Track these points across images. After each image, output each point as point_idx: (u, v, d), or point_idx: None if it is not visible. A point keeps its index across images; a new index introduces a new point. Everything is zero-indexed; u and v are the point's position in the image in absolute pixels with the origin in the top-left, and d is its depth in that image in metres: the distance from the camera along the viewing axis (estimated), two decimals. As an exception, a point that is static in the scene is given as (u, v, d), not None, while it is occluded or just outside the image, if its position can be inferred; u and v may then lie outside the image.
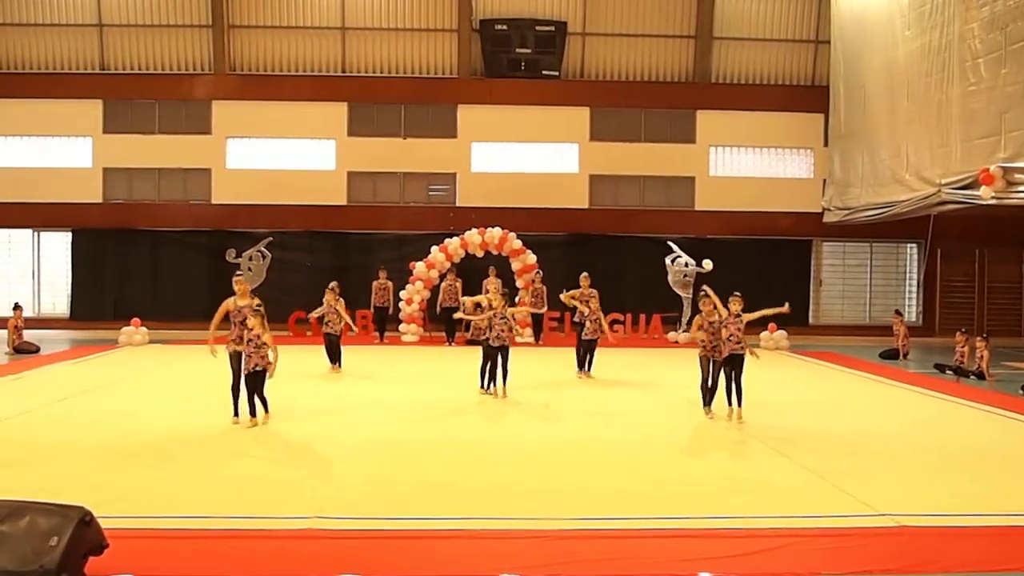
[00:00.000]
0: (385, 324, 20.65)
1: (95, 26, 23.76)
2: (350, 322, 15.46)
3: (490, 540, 6.07)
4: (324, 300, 14.92)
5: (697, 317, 11.02)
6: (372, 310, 20.63)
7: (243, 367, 10.07)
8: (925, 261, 23.69)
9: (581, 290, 14.67)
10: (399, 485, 7.57)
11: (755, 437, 9.79)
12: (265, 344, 9.92)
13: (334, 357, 15.12)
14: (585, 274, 14.94)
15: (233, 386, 10.23)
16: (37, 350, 17.91)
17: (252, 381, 9.99)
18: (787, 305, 10.98)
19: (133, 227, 23.39)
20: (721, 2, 24.28)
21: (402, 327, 20.76)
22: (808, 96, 24.25)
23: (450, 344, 19.94)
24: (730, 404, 10.72)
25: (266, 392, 10.09)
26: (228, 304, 10.56)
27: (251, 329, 9.96)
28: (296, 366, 14.97)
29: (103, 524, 5.30)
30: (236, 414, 10.14)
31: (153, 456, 8.53)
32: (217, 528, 6.25)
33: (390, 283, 20.64)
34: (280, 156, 24.04)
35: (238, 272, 10.72)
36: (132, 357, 17.15)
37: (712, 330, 10.64)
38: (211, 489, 7.42)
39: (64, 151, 23.89)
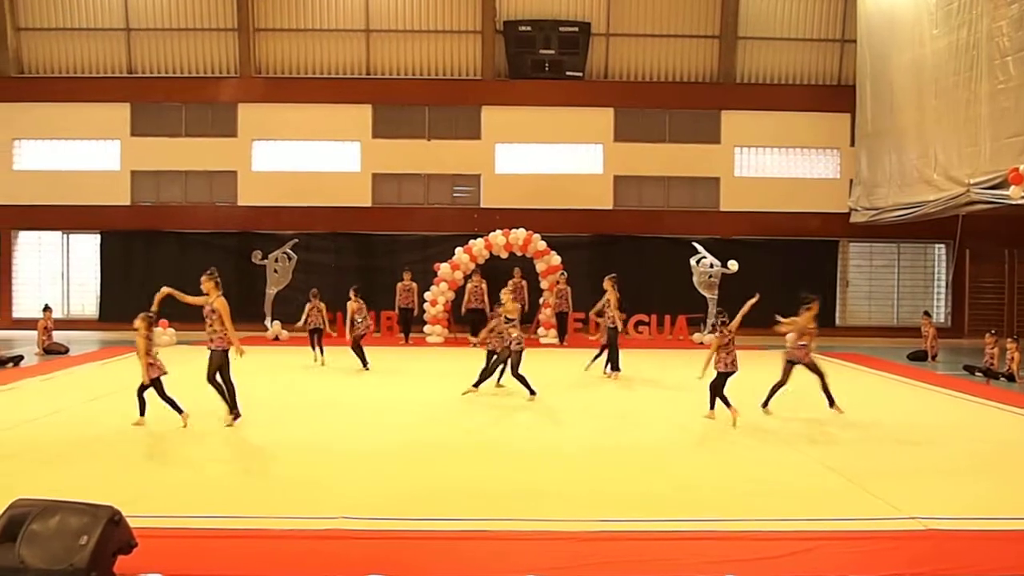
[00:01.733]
0: (410, 325, 20.67)
1: (123, 30, 24.03)
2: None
3: (516, 541, 6.07)
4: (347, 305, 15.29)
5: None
6: (397, 311, 20.71)
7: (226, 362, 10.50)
8: (954, 262, 23.42)
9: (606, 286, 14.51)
10: (425, 486, 7.59)
11: (781, 439, 9.73)
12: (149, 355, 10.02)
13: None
14: (612, 275, 14.55)
15: (224, 382, 10.52)
16: (66, 351, 18.10)
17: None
18: (757, 296, 10.98)
19: (160, 229, 23.61)
20: (746, 2, 24.12)
21: (427, 328, 20.81)
22: (834, 96, 24.04)
23: (475, 345, 19.92)
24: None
25: (172, 395, 10.26)
26: (200, 299, 10.68)
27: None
28: (320, 367, 15.06)
29: (132, 523, 5.35)
30: (236, 414, 10.37)
31: (180, 456, 8.63)
32: (244, 528, 6.30)
33: (414, 284, 20.67)
34: (305, 158, 24.18)
35: (208, 272, 10.75)
36: (159, 358, 17.22)
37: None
38: (238, 489, 7.48)
39: (92, 154, 24.16)
